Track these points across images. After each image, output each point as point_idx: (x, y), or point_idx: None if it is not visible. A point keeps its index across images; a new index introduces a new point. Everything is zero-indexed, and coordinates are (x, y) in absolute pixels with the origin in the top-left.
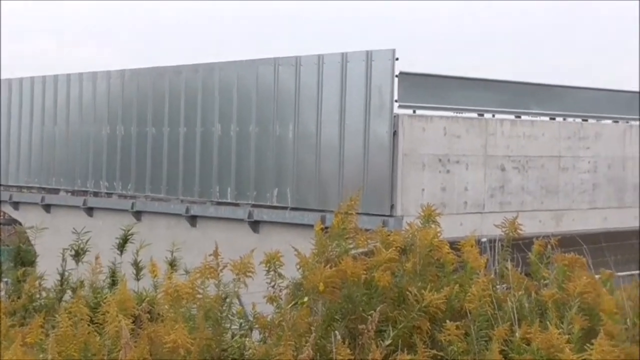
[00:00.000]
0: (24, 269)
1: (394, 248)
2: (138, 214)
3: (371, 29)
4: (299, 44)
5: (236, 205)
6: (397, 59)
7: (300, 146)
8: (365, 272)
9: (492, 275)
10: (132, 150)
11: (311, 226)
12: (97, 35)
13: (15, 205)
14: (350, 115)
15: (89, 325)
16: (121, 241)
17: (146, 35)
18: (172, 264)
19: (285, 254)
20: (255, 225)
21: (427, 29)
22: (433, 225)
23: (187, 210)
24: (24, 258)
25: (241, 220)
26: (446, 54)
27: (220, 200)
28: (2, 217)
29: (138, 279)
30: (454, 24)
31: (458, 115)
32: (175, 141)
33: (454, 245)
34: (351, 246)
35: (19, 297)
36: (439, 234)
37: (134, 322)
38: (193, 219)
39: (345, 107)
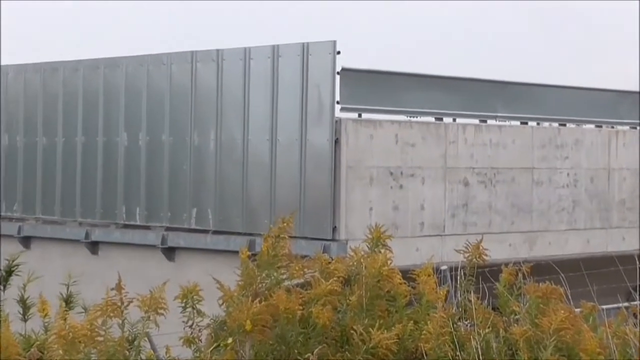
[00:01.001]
0: None
1: (335, 278)
2: (26, 240)
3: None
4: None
5: (147, 228)
6: (338, 52)
7: (223, 158)
8: (301, 308)
9: (453, 310)
10: (19, 163)
11: (236, 253)
12: None
13: None
14: (283, 121)
15: None
16: (4, 273)
17: (38, 20)
18: (68, 301)
19: (206, 286)
20: (169, 252)
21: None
22: (383, 251)
23: (87, 235)
24: None
25: (153, 247)
26: (402, 52)
27: (127, 223)
28: None
29: (25, 320)
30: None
31: (412, 119)
32: (71, 153)
33: (408, 274)
34: (284, 276)
35: None
36: (389, 261)
37: None
38: (94, 246)
39: (277, 110)
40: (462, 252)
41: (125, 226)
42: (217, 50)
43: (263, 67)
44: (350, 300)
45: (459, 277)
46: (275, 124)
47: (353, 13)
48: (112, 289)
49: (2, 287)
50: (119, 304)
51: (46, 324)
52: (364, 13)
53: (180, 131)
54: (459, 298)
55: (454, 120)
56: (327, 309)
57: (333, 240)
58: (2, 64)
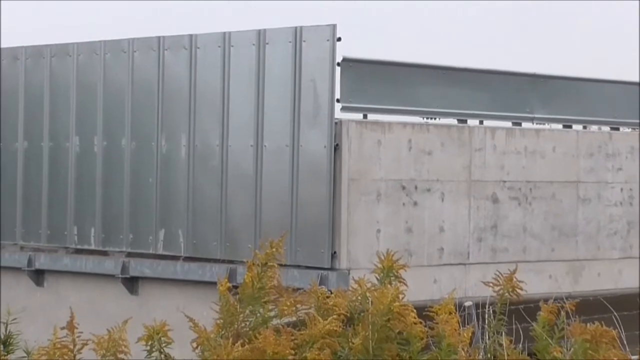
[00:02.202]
0: None
1: (335, 316)
2: None
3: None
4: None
5: (104, 254)
6: (339, 39)
7: (197, 169)
8: (293, 352)
9: (480, 356)
10: None
11: (213, 284)
12: None
13: None
14: (270, 123)
15: None
16: None
17: None
18: (7, 342)
19: (176, 325)
20: (131, 283)
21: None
22: (394, 283)
23: (30, 261)
24: None
25: (111, 277)
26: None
27: (79, 247)
28: None
29: None
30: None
31: (429, 121)
32: (10, 161)
33: (424, 311)
34: (272, 313)
35: None
36: (401, 295)
37: None
38: (39, 275)
39: (264, 110)
40: (490, 284)
41: (77, 251)
42: (190, 36)
43: (246, 56)
44: (353, 343)
45: (486, 316)
46: (261, 127)
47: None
48: (62, 328)
49: None
50: (71, 346)
51: None
52: None
53: (145, 135)
54: (487, 341)
55: (481, 122)
56: (325, 354)
57: (332, 269)
58: None
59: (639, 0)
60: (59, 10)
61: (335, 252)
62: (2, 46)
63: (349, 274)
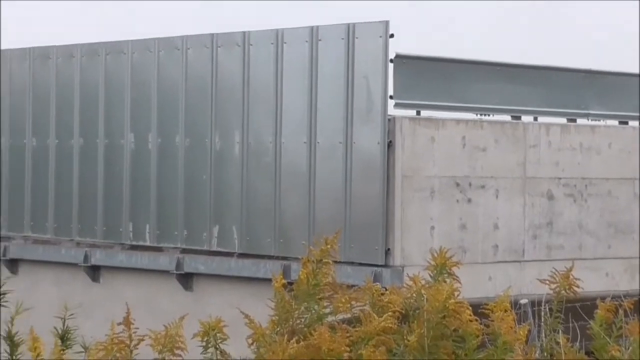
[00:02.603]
0: None
1: (390, 313)
2: (13, 264)
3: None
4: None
5: (158, 250)
6: (391, 35)
7: (251, 166)
8: (348, 349)
9: (536, 354)
10: (4, 170)
11: (267, 281)
12: None
13: None
14: (323, 120)
15: None
16: None
17: None
18: (64, 337)
19: (231, 321)
20: (186, 279)
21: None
22: (448, 280)
23: (86, 257)
24: None
25: (166, 273)
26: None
27: (134, 244)
28: None
29: (14, 359)
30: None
31: (483, 118)
32: (66, 158)
33: (479, 309)
34: (327, 310)
35: None
36: (456, 293)
37: None
38: (95, 271)
39: (317, 107)
40: (546, 282)
41: (132, 247)
42: (243, 33)
43: (299, 53)
44: (408, 340)
45: (542, 314)
46: (314, 124)
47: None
48: (119, 324)
49: None
50: (127, 342)
51: None
52: None
53: (199, 132)
54: (544, 339)
55: (535, 119)
56: (380, 351)
57: (386, 266)
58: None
59: None
60: (91, 10)
61: (389, 249)
62: (58, 44)
63: (402, 270)
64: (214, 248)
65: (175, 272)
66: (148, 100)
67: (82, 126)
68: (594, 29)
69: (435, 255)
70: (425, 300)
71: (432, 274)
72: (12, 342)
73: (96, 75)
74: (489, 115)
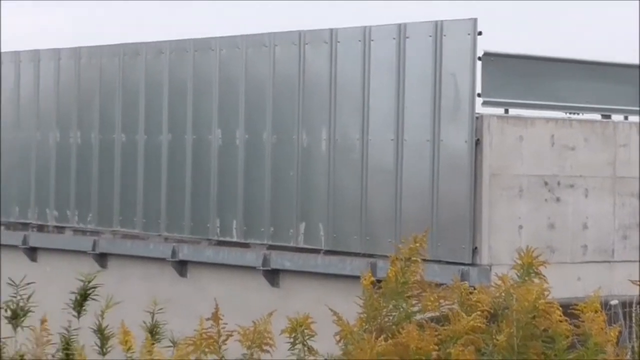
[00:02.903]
0: None
1: (479, 312)
2: (102, 258)
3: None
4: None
5: (245, 246)
6: (480, 33)
7: (338, 162)
8: (436, 348)
9: (627, 356)
10: (94, 166)
11: (353, 278)
12: None
13: None
14: (411, 117)
15: None
16: (78, 297)
17: None
18: (153, 332)
19: (318, 318)
20: (273, 275)
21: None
22: (537, 280)
23: (174, 252)
24: None
25: (252, 269)
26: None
27: (221, 239)
28: None
29: (104, 353)
30: None
31: (572, 116)
32: (155, 154)
33: (569, 309)
34: (416, 309)
35: None
36: (546, 293)
37: None
38: (182, 266)
39: (404, 104)
40: (638, 283)
41: (219, 243)
42: (331, 30)
43: (386, 50)
44: (497, 340)
45: (634, 315)
46: (401, 121)
47: None
48: (208, 319)
49: (76, 314)
50: (216, 337)
51: (129, 359)
52: None
53: (286, 129)
54: (635, 341)
55: (626, 118)
56: (469, 350)
57: (473, 264)
58: (74, 45)
59: None
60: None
61: (476, 248)
62: (144, 41)
63: (490, 269)
64: (301, 245)
65: (261, 268)
66: (236, 97)
67: (170, 122)
68: None
69: (522, 254)
70: (514, 299)
71: (518, 273)
72: (103, 335)
73: (184, 72)
74: (578, 114)
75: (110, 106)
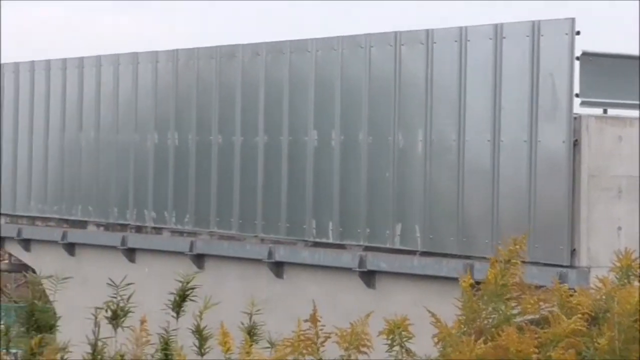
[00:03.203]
0: (40, 336)
1: (579, 315)
2: (199, 259)
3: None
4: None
5: (341, 247)
6: (578, 32)
7: (434, 164)
8: (537, 351)
9: None
10: (191, 167)
11: (450, 280)
12: None
13: (26, 244)
14: (507, 118)
15: None
16: (177, 298)
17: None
18: (251, 333)
19: (415, 319)
20: (369, 276)
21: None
22: (636, 283)
23: (270, 254)
24: (40, 320)
25: (349, 270)
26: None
27: (317, 241)
28: (8, 261)
29: (202, 354)
30: None
31: None
32: (251, 155)
33: None
34: (515, 311)
35: None
36: None
37: None
38: (278, 267)
39: (501, 105)
40: None
41: (315, 244)
42: (427, 31)
43: (483, 50)
44: (598, 343)
45: None
46: (498, 122)
47: None
48: (306, 321)
49: (175, 315)
50: (314, 339)
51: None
52: None
53: (382, 129)
54: None
55: None
56: (570, 353)
57: (571, 267)
58: (173, 47)
59: None
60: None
61: (574, 250)
62: (243, 43)
63: (589, 272)
64: (397, 246)
65: (357, 269)
66: (331, 98)
67: (266, 123)
68: None
69: (620, 256)
70: (615, 302)
71: (617, 276)
72: (201, 336)
73: (280, 73)
74: None
75: (207, 108)
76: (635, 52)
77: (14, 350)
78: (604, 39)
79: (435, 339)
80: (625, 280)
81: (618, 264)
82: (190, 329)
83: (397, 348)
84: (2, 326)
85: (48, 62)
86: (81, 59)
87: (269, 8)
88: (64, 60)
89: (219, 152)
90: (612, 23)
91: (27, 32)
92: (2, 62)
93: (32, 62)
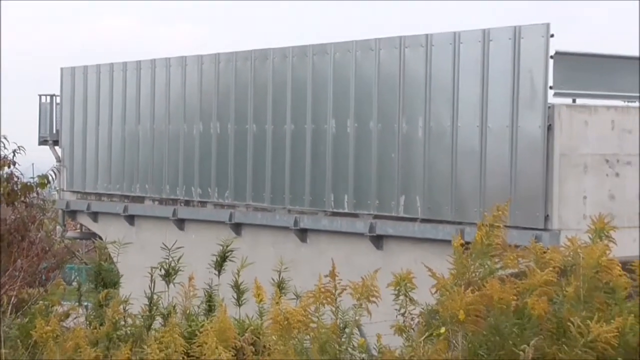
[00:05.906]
0: (106, 290)
1: (551, 268)
2: (237, 227)
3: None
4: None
5: (355, 216)
6: (552, 35)
7: (432, 145)
8: (515, 298)
9: None
10: (230, 151)
11: (445, 242)
12: (189, 10)
13: (94, 216)
14: (493, 107)
15: (183, 358)
16: (219, 259)
17: (251, 12)
18: (280, 287)
19: (416, 275)
20: (378, 240)
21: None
22: (606, 242)
23: (296, 222)
24: (106, 278)
25: (361, 235)
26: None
27: (335, 211)
28: (79, 230)
29: (240, 305)
30: None
31: (630, 104)
32: (281, 141)
33: (627, 266)
34: (498, 266)
35: (101, 324)
36: (607, 252)
37: (235, 355)
38: (303, 233)
39: (488, 96)
40: None
41: (334, 214)
42: (426, 35)
43: (473, 51)
44: (566, 291)
45: None
46: (486, 110)
47: None
48: (326, 276)
49: (217, 273)
50: (332, 291)
51: (260, 310)
52: None
53: (389, 118)
54: None
55: None
56: (543, 300)
57: (545, 230)
58: (213, 52)
59: None
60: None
61: (548, 215)
62: (274, 47)
63: (559, 233)
64: (401, 214)
65: (368, 234)
66: (347, 93)
67: (293, 114)
68: None
69: (594, 220)
70: (581, 258)
71: (591, 237)
72: (239, 290)
73: (305, 73)
74: (635, 101)
75: (244, 102)
76: (599, 51)
77: (85, 303)
78: (573, 40)
79: (433, 290)
80: (598, 240)
81: (592, 227)
82: (230, 285)
83: (402, 297)
84: (75, 283)
85: (111, 65)
86: (138, 62)
87: (298, 14)
88: (124, 64)
89: (254, 139)
90: (586, 24)
91: (95, 39)
92: (72, 65)
93: (98, 66)
